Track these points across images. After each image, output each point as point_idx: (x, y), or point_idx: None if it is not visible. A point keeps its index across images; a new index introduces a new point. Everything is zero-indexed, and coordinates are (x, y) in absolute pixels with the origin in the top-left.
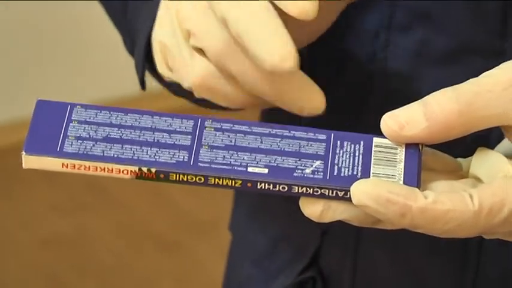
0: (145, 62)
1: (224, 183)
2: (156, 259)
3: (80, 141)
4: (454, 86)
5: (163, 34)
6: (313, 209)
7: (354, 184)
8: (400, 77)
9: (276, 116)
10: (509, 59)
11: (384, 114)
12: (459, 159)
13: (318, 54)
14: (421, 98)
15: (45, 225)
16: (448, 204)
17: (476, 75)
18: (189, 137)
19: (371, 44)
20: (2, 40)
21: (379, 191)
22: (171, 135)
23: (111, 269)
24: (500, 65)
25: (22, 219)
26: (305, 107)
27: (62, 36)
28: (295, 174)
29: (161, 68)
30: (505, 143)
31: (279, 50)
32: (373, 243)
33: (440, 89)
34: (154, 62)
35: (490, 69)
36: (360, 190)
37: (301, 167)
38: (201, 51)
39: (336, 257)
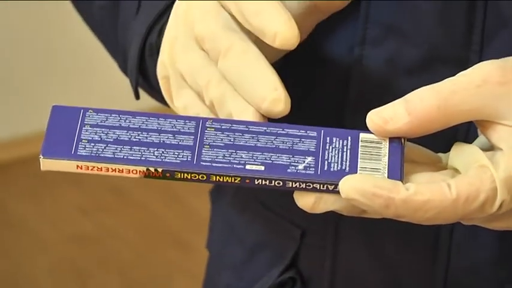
0: (139, 73)
1: (225, 180)
2: (170, 255)
3: (92, 144)
4: (433, 85)
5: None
6: (306, 201)
7: (342, 180)
8: (374, 87)
9: None
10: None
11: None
12: (439, 154)
13: (291, 69)
14: None
15: (71, 224)
16: (427, 195)
17: None
18: (192, 137)
19: (346, 58)
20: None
21: (365, 186)
22: (176, 136)
23: (130, 263)
24: (475, 65)
25: (50, 219)
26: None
27: (66, 40)
28: (289, 170)
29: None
30: (480, 139)
31: (269, 95)
32: (351, 242)
33: None
34: (146, 75)
35: None
36: (347, 185)
37: (295, 163)
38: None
39: (315, 257)
